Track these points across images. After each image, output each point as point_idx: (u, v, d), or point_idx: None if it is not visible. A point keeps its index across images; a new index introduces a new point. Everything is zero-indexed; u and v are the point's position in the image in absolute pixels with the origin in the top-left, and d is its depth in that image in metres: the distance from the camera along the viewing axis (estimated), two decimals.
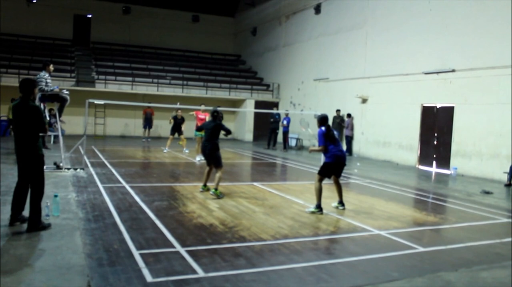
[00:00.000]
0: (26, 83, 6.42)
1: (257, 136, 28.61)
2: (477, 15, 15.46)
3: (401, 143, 18.55)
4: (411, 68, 18.00)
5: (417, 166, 17.71)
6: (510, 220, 9.00)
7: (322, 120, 8.86)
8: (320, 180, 8.65)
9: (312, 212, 8.48)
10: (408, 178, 14.39)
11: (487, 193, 11.92)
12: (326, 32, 23.88)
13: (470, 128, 15.54)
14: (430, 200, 10.95)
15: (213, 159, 9.72)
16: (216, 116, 9.84)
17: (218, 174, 9.61)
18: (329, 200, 9.47)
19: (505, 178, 13.74)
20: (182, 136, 18.88)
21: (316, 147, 8.87)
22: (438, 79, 16.85)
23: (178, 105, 17.22)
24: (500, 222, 8.80)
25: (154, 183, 11.01)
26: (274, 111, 23.02)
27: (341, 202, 9.07)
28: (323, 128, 8.74)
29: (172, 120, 18.67)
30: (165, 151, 18.49)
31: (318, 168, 9.18)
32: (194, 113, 16.82)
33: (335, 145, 8.68)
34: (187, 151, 18.50)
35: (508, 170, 13.62)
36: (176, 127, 18.75)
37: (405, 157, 18.27)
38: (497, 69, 14.61)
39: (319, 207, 8.51)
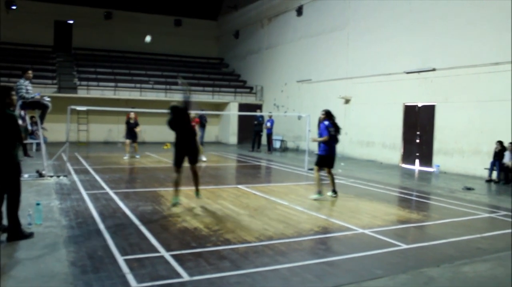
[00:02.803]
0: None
1: (241, 139, 28.64)
2: (456, 15, 15.70)
3: (384, 143, 18.72)
4: (392, 68, 18.19)
5: (400, 164, 17.89)
6: (491, 215, 9.14)
7: (327, 114, 10.14)
8: (318, 170, 10.00)
9: (316, 199, 9.77)
10: (392, 177, 14.52)
11: (469, 189, 12.10)
12: (308, 34, 24.02)
13: (451, 126, 15.75)
14: (414, 198, 11.07)
15: (194, 153, 8.89)
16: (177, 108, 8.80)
17: (198, 173, 9.12)
18: (313, 200, 9.51)
19: (486, 174, 13.96)
20: (135, 144, 17.84)
21: (320, 138, 9.94)
22: (419, 78, 17.06)
23: (132, 109, 16.93)
24: (481, 217, 8.94)
25: (138, 189, 10.96)
26: (258, 113, 23.08)
27: (334, 191, 10.26)
28: (326, 122, 9.95)
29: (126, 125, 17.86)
30: (125, 157, 17.52)
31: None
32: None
33: (333, 140, 10.00)
34: (138, 157, 17.82)
35: (489, 166, 13.83)
36: (130, 132, 17.76)
37: (388, 156, 18.44)
38: (476, 67, 14.85)
39: (320, 192, 9.85)
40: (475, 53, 14.96)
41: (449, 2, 15.91)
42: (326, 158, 9.99)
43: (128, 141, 17.78)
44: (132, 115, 18.01)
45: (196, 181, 9.12)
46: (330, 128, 9.91)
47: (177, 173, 8.70)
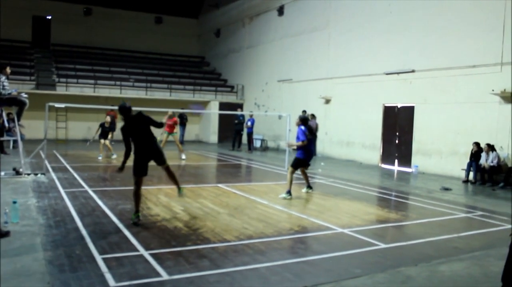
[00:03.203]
0: None
1: (222, 138, 28.60)
2: (435, 18, 15.90)
3: (364, 143, 18.88)
4: (372, 69, 18.35)
5: (379, 164, 18.06)
6: (467, 215, 9.30)
7: (304, 120, 10.52)
8: (293, 172, 10.23)
9: (284, 198, 9.92)
10: (371, 177, 14.66)
11: (447, 189, 12.28)
12: (289, 33, 24.09)
13: (429, 127, 15.96)
14: (393, 198, 11.20)
15: (160, 156, 7.74)
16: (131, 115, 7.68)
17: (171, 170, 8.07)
18: (293, 200, 9.54)
19: (463, 174, 14.18)
20: (107, 141, 17.37)
21: (297, 143, 10.25)
22: (399, 79, 17.25)
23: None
24: (458, 217, 9.09)
25: (117, 187, 10.87)
26: (239, 112, 23.05)
27: (309, 186, 10.89)
28: (302, 127, 10.28)
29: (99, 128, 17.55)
30: (99, 157, 17.03)
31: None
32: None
33: (311, 144, 10.53)
34: (115, 156, 17.34)
35: (465, 167, 14.05)
36: (103, 132, 17.44)
37: (368, 156, 18.60)
38: (454, 69, 15.07)
39: (289, 192, 10.01)
40: (453, 55, 15.18)
41: (429, 5, 16.10)
42: (303, 161, 10.35)
43: (102, 140, 17.28)
44: (108, 119, 17.79)
45: (174, 179, 8.13)
46: (306, 133, 10.22)
47: (138, 185, 7.45)
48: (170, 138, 17.42)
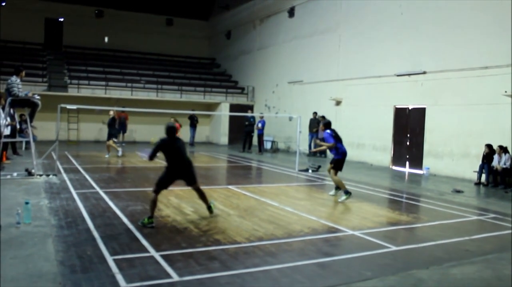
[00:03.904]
0: None
1: (232, 139, 28.61)
2: (446, 19, 15.81)
3: (375, 144, 18.80)
4: (383, 70, 18.28)
5: (390, 166, 17.97)
6: (479, 217, 9.22)
7: (327, 124, 10.77)
8: (335, 174, 10.40)
9: (346, 199, 10.03)
10: (382, 179, 14.59)
11: (458, 192, 12.18)
12: (300, 35, 24.06)
13: (441, 129, 15.85)
14: (403, 200, 11.14)
15: (193, 177, 7.98)
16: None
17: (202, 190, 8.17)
18: (304, 201, 9.51)
19: (475, 177, 14.06)
20: (111, 141, 17.89)
21: (326, 144, 10.68)
22: (410, 81, 17.16)
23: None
24: (470, 219, 9.02)
25: (128, 188, 10.92)
26: (249, 114, 23.07)
27: (337, 187, 10.66)
28: (328, 131, 10.55)
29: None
30: (107, 156, 17.74)
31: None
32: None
33: (342, 145, 10.54)
34: (107, 156, 17.82)
35: (477, 169, 13.94)
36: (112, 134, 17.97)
37: (379, 158, 18.52)
38: (466, 71, 14.96)
39: (347, 192, 10.09)
40: (464, 57, 15.08)
41: (440, 6, 16.01)
42: (342, 161, 10.55)
43: (111, 141, 17.92)
44: (111, 113, 18.03)
45: (204, 199, 8.14)
46: (336, 133, 10.61)
47: (157, 194, 7.60)
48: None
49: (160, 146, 7.69)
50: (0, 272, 4.96)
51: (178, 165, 7.74)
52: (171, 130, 7.77)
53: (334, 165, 10.49)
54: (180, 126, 17.28)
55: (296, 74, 24.23)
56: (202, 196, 8.13)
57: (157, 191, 7.57)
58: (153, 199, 7.47)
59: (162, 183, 7.65)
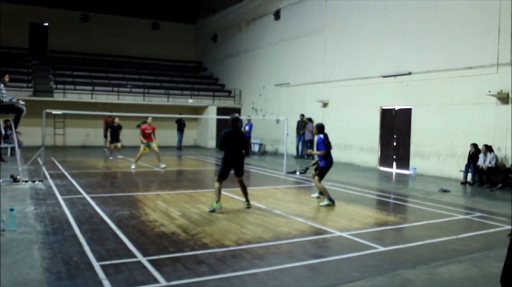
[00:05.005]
0: None
1: None
2: (431, 19, 15.94)
3: (362, 146, 18.89)
4: (369, 72, 18.39)
5: (378, 167, 18.06)
6: (466, 216, 9.30)
7: (320, 128, 10.33)
8: (320, 181, 10.19)
9: (328, 205, 9.78)
10: (369, 180, 14.66)
11: (445, 191, 12.28)
12: (286, 37, 24.13)
13: (427, 129, 15.98)
14: (391, 201, 11.20)
15: (242, 168, 9.46)
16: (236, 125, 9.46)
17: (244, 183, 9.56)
18: (292, 204, 9.51)
19: (461, 176, 14.19)
20: (118, 144, 19.07)
21: (318, 151, 10.19)
22: (396, 82, 17.28)
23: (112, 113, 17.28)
24: (457, 219, 9.09)
25: (115, 193, 10.84)
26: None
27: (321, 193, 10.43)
28: (321, 135, 10.17)
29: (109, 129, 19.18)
30: (110, 157, 18.90)
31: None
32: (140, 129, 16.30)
33: (330, 152, 10.22)
34: (111, 158, 18.98)
35: (463, 168, 14.06)
36: (114, 135, 19.03)
37: (366, 159, 18.61)
38: (451, 71, 15.10)
39: (330, 199, 9.88)
40: (449, 57, 15.22)
41: (424, 7, 16.15)
42: (327, 169, 10.29)
43: (111, 144, 18.96)
44: (117, 120, 18.86)
45: (245, 192, 9.48)
46: (328, 140, 10.23)
47: (220, 182, 9.13)
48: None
49: (225, 138, 9.09)
50: None
51: (233, 153, 9.19)
52: (235, 122, 9.27)
53: (319, 173, 10.30)
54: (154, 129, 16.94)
55: (283, 77, 24.28)
56: (243, 189, 9.44)
57: (219, 180, 9.09)
58: (218, 187, 9.00)
59: (223, 173, 9.17)
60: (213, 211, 8.74)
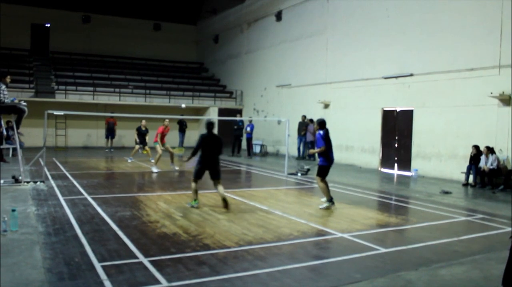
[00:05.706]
0: None
1: None
2: (433, 21, 15.93)
3: (363, 147, 18.87)
4: (371, 73, 18.38)
5: (379, 169, 18.05)
6: (467, 218, 9.29)
7: (321, 123, 9.89)
8: (322, 181, 9.77)
9: (327, 207, 9.60)
10: (371, 181, 14.65)
11: (446, 193, 12.27)
12: (287, 38, 24.13)
13: (428, 131, 15.96)
14: (392, 202, 11.18)
15: (218, 171, 9.52)
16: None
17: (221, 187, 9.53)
18: (293, 205, 9.50)
19: (463, 178, 14.16)
20: (147, 147, 18.28)
21: (317, 149, 9.85)
22: (397, 83, 17.27)
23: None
24: (458, 220, 9.08)
25: (117, 194, 10.85)
26: (238, 118, 23.06)
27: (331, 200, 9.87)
28: (321, 132, 9.77)
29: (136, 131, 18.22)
30: (129, 161, 18.27)
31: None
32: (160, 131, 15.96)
33: (330, 149, 9.82)
34: (130, 161, 18.48)
35: (465, 170, 14.04)
36: (141, 138, 18.14)
37: (367, 160, 18.59)
38: (452, 73, 15.09)
39: (330, 200, 9.70)
40: (451, 59, 15.20)
41: (426, 9, 16.15)
42: (327, 167, 9.86)
43: (137, 146, 18.32)
44: (144, 122, 18.08)
45: (222, 196, 9.40)
46: (328, 136, 9.81)
47: (196, 183, 9.52)
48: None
49: (201, 142, 9.37)
50: None
51: (208, 157, 9.41)
52: (210, 126, 9.49)
53: (318, 172, 9.88)
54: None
55: (284, 78, 24.28)
56: (220, 193, 9.41)
57: (199, 179, 9.48)
58: (194, 188, 9.43)
59: (196, 174, 9.47)
60: (192, 207, 9.30)
